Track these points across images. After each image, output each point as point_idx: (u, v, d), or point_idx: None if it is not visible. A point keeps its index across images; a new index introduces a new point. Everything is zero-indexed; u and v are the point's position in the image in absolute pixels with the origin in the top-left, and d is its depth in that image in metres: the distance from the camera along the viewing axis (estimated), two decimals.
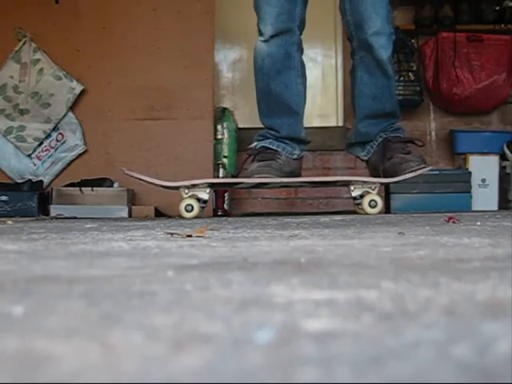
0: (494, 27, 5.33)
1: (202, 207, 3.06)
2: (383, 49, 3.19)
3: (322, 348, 0.47)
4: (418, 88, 5.28)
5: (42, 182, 4.62)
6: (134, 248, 1.36)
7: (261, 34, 3.27)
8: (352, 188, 3.08)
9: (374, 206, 3.01)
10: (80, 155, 4.73)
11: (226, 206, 4.76)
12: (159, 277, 0.89)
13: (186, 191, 3.01)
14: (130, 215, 4.39)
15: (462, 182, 4.94)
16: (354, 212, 3.42)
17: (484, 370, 0.41)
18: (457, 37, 5.24)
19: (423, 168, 3.13)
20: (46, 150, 4.69)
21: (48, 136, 4.68)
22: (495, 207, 5.05)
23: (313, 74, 5.58)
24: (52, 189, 4.48)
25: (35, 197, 4.37)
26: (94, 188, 4.45)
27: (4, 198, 4.36)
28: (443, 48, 5.27)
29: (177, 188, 3.08)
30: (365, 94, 3.32)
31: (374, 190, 3.05)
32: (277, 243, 1.43)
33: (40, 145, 4.67)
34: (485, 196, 5.04)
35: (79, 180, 4.55)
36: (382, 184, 3.19)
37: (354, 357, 0.45)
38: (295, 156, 3.39)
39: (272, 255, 1.16)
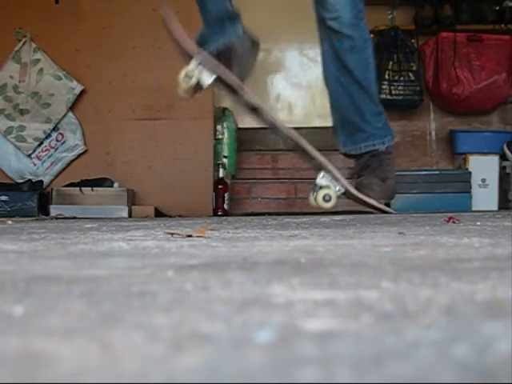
0: (493, 27, 5.33)
1: (199, 87, 2.83)
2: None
3: (322, 348, 0.47)
4: (418, 88, 5.28)
5: (42, 181, 4.62)
6: (133, 248, 1.36)
7: None
8: (321, 175, 2.99)
9: (328, 201, 2.94)
10: (80, 155, 4.73)
11: (225, 206, 4.76)
12: (159, 277, 0.89)
13: (194, 64, 2.77)
14: (130, 215, 4.39)
15: (462, 181, 4.94)
16: (354, 212, 3.42)
17: (484, 369, 0.41)
18: (457, 37, 5.24)
19: (377, 208, 3.03)
20: (46, 150, 4.69)
21: (48, 136, 4.68)
22: (495, 207, 5.05)
23: (313, 73, 5.58)
24: (52, 189, 4.48)
25: (35, 197, 4.37)
26: (94, 188, 4.46)
27: (4, 198, 4.36)
28: (443, 48, 5.27)
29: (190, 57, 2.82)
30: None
31: (337, 189, 2.96)
32: (277, 243, 1.43)
33: (40, 145, 4.67)
34: (485, 196, 5.04)
35: (79, 180, 4.55)
36: (348, 194, 3.07)
37: (354, 357, 0.45)
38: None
39: (272, 255, 1.16)
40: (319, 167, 3.00)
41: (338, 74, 3.14)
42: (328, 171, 2.95)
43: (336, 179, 2.95)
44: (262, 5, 5.46)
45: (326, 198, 2.92)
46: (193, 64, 2.78)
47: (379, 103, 3.17)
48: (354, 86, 3.10)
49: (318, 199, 2.93)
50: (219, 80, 2.84)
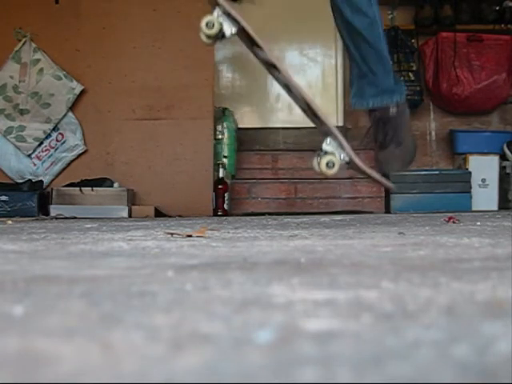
0: (493, 27, 5.33)
1: (221, 36, 2.85)
2: None
3: (322, 348, 0.47)
4: (418, 88, 5.28)
5: (41, 181, 4.62)
6: (133, 248, 1.36)
7: None
8: (328, 141, 3.00)
9: (331, 167, 2.96)
10: (80, 155, 4.73)
11: (225, 206, 4.76)
12: (159, 277, 0.89)
13: (218, 13, 2.79)
14: (130, 215, 4.39)
15: (462, 181, 4.94)
16: (354, 212, 3.42)
17: (484, 370, 0.41)
18: (457, 37, 5.24)
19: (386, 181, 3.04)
20: (45, 150, 4.69)
21: (48, 136, 4.68)
22: (495, 207, 5.05)
23: (313, 73, 5.58)
24: (52, 189, 4.48)
25: (35, 197, 4.37)
26: (94, 188, 4.46)
27: (4, 198, 4.36)
28: (443, 48, 5.27)
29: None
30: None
31: (341, 157, 2.97)
32: (277, 243, 1.43)
33: (40, 145, 4.67)
34: (485, 196, 5.04)
35: (79, 180, 4.55)
36: (352, 164, 3.07)
37: (354, 357, 0.45)
38: None
39: (272, 255, 1.16)
40: (326, 133, 3.02)
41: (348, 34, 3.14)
42: (335, 138, 2.98)
43: (342, 147, 2.98)
44: (262, 5, 5.47)
45: (329, 165, 2.95)
46: (216, 12, 2.80)
47: (389, 60, 3.22)
48: (364, 45, 3.15)
49: (321, 165, 2.95)
50: (241, 32, 2.87)
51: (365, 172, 3.05)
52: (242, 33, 2.89)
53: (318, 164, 2.96)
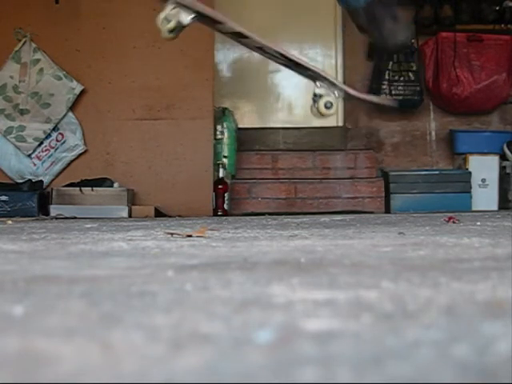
0: (494, 27, 5.33)
1: (181, 27, 2.88)
2: None
3: (322, 348, 0.47)
4: (418, 88, 5.28)
5: (42, 182, 4.62)
6: (133, 248, 1.36)
7: None
8: (318, 84, 3.02)
9: (330, 107, 2.97)
10: (80, 155, 4.73)
11: (225, 206, 4.76)
12: (159, 277, 0.89)
13: (171, 7, 2.84)
14: (130, 215, 4.39)
15: (462, 182, 4.94)
16: (354, 212, 3.42)
17: (484, 369, 0.41)
18: (457, 37, 5.24)
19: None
20: (46, 150, 4.69)
21: (48, 136, 4.67)
22: (495, 207, 5.05)
23: None
24: (52, 189, 4.48)
25: (35, 197, 4.37)
26: (94, 188, 4.45)
27: (4, 198, 4.36)
28: (443, 48, 5.27)
29: None
30: None
31: (336, 94, 2.98)
32: (277, 243, 1.43)
33: (40, 145, 4.67)
34: (485, 196, 5.04)
35: (79, 180, 4.55)
36: (348, 95, 3.07)
37: (354, 357, 0.45)
38: None
39: (272, 255, 1.16)
40: (314, 77, 3.03)
41: None
42: (323, 79, 2.99)
43: (333, 84, 2.99)
44: (261, 4, 5.47)
45: (328, 105, 2.96)
46: (169, 7, 2.82)
47: None
48: None
49: (319, 107, 2.96)
50: (199, 15, 2.88)
51: (364, 99, 3.05)
52: (200, 16, 2.89)
53: (317, 109, 2.97)
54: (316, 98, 2.99)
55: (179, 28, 2.83)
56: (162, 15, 2.80)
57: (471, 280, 0.80)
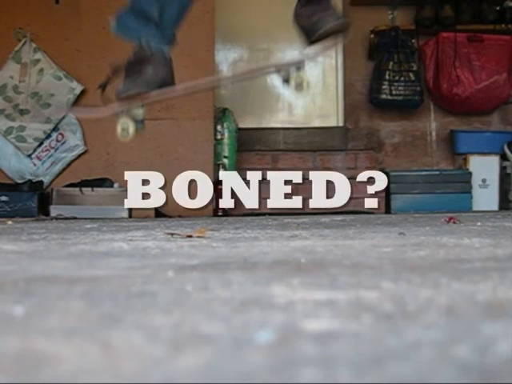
0: (494, 27, 5.32)
1: (140, 124, 2.98)
2: None
3: (323, 348, 0.47)
4: (418, 88, 5.28)
5: (42, 182, 4.62)
6: (134, 248, 1.36)
7: None
8: (282, 73, 3.03)
9: (301, 84, 2.98)
10: (80, 155, 4.72)
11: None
12: (159, 277, 0.89)
13: (121, 116, 2.95)
14: (130, 215, 4.38)
15: (463, 182, 4.93)
16: (354, 212, 3.42)
17: (484, 370, 0.41)
18: (457, 37, 5.23)
19: (340, 24, 2.99)
20: (46, 151, 4.69)
21: (48, 136, 4.67)
22: (495, 207, 5.05)
23: (313, 73, 5.58)
24: (52, 189, 4.48)
25: (35, 197, 4.36)
26: (94, 188, 4.45)
27: (4, 198, 4.36)
28: (444, 48, 5.27)
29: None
30: None
31: (300, 70, 2.99)
32: (277, 243, 1.43)
33: (40, 145, 4.67)
34: (485, 196, 5.04)
35: (79, 180, 4.55)
36: (302, 61, 3.08)
37: (355, 357, 0.45)
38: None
39: (272, 255, 1.16)
40: (276, 70, 3.04)
41: None
42: (281, 67, 3.00)
43: (292, 64, 2.99)
44: (261, 4, 5.47)
45: (298, 82, 2.97)
46: (120, 117, 2.97)
47: None
48: None
49: (294, 87, 2.96)
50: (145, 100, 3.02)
51: (324, 35, 3.04)
52: (147, 99, 3.03)
53: (293, 87, 2.97)
54: (288, 86, 2.99)
55: (140, 125, 2.97)
56: (118, 127, 2.93)
57: (472, 280, 0.80)
